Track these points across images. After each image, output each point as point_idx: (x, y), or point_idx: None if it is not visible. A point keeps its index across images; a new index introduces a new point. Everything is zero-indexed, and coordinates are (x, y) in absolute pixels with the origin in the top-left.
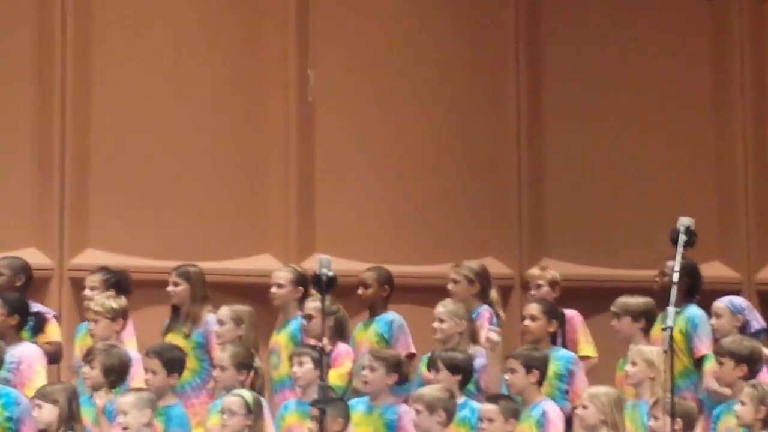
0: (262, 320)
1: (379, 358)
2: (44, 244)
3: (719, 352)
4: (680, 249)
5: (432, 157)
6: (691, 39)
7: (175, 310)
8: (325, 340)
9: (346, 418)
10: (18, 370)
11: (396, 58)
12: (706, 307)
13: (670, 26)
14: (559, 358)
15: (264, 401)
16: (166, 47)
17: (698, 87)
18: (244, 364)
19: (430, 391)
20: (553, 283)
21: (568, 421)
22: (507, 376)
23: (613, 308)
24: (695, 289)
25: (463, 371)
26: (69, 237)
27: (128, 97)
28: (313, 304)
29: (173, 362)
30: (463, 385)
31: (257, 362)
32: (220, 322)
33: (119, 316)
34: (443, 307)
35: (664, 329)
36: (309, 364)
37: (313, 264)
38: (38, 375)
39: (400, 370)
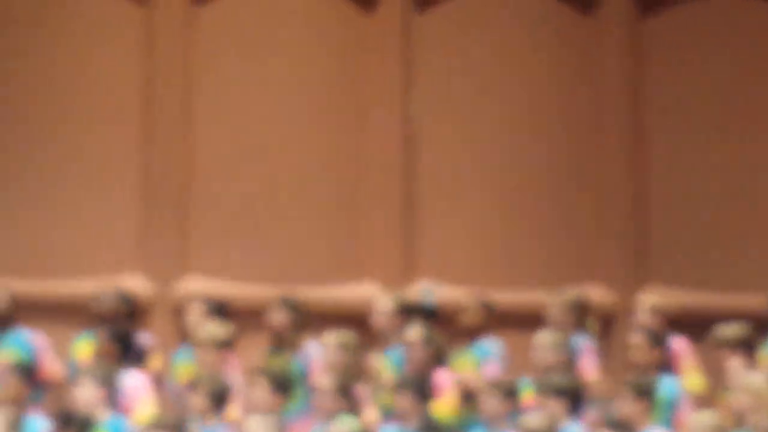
0: (363, 347)
1: (494, 385)
2: (146, 271)
3: None
4: None
5: (537, 182)
6: None
7: (276, 337)
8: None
9: None
10: (124, 398)
11: (505, 79)
12: None
13: None
14: (665, 386)
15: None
16: (266, 71)
17: None
18: (346, 390)
19: (533, 418)
20: (657, 311)
21: None
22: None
23: (714, 337)
24: None
25: (569, 396)
26: (171, 263)
27: (230, 122)
28: (413, 332)
29: (283, 384)
30: (569, 411)
31: (359, 389)
32: (322, 349)
33: (224, 344)
34: (543, 337)
35: None
36: (409, 395)
37: (415, 290)
38: (144, 403)
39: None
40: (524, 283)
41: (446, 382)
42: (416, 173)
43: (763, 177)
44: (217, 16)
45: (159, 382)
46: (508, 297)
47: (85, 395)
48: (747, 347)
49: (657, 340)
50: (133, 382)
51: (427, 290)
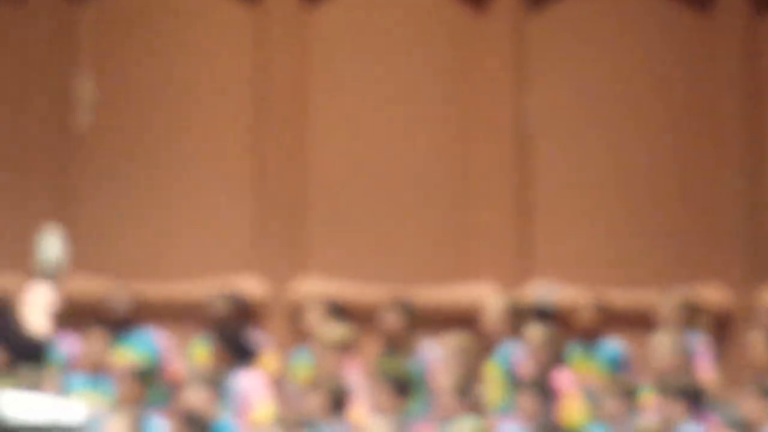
0: (479, 349)
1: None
2: (262, 273)
3: None
4: None
5: (651, 182)
6: None
7: (389, 338)
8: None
9: None
10: (239, 400)
11: (618, 79)
12: None
13: None
14: None
15: None
16: (380, 71)
17: None
18: (465, 392)
19: (652, 419)
20: None
21: None
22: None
23: None
24: None
25: (689, 397)
26: (286, 265)
27: (344, 122)
28: (534, 332)
29: (403, 386)
30: (689, 412)
31: (477, 390)
32: (441, 351)
33: (344, 345)
34: (660, 338)
35: None
36: (530, 396)
37: (530, 290)
38: (260, 404)
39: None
40: (639, 282)
41: (566, 382)
42: (531, 173)
43: None
44: (330, 17)
45: (275, 383)
46: (623, 297)
47: (200, 398)
48: None
49: None
50: (249, 383)
51: (544, 290)
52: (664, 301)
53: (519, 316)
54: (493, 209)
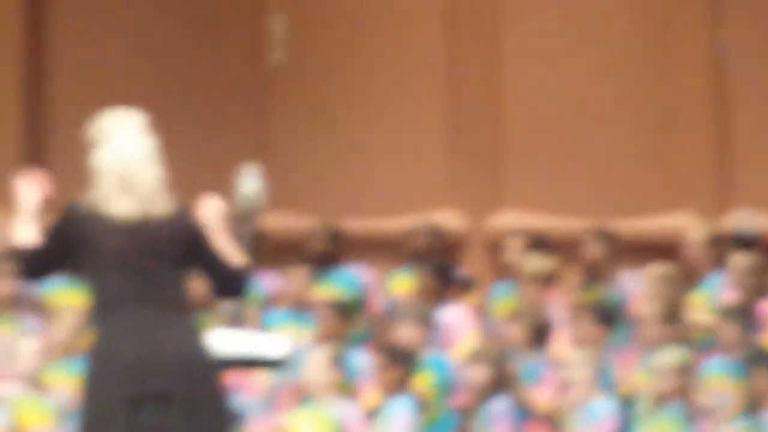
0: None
1: None
2: (460, 207)
3: None
4: None
5: None
6: None
7: (589, 269)
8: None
9: None
10: (444, 333)
11: None
12: None
13: None
14: None
15: None
16: (578, 2)
17: None
18: (669, 321)
19: None
20: None
21: None
22: None
23: None
24: None
25: None
26: (484, 198)
27: (539, 53)
28: (738, 261)
29: (606, 316)
30: None
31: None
32: (643, 281)
33: (546, 278)
34: None
35: None
36: (734, 326)
37: (731, 220)
38: (465, 337)
39: None
40: None
41: None
42: (729, 104)
43: None
44: None
45: (477, 316)
46: None
47: (407, 332)
48: None
49: None
50: (453, 317)
51: (746, 219)
52: None
53: (721, 245)
54: (692, 140)
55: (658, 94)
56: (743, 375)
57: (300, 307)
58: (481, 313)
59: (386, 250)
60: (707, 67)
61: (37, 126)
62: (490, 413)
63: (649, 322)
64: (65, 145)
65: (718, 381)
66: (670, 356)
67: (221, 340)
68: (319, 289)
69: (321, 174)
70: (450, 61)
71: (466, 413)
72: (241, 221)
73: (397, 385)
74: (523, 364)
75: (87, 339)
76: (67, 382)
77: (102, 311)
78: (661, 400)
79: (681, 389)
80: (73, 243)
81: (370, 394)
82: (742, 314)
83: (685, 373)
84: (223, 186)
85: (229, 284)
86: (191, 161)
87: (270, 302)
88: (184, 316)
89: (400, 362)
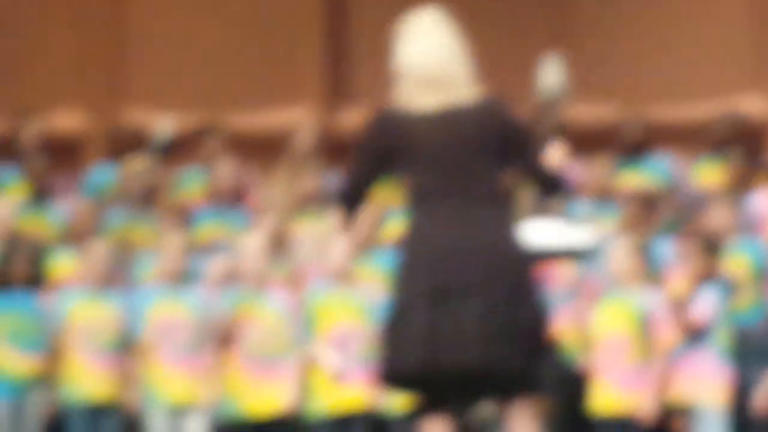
0: None
1: None
2: (763, 90)
3: None
4: None
5: None
6: None
7: None
8: None
9: None
10: (754, 220)
11: None
12: None
13: None
14: None
15: None
16: None
17: None
18: None
19: None
20: None
21: None
22: None
23: None
24: None
25: None
26: None
27: None
28: None
29: None
30: None
31: None
32: None
33: None
34: None
35: None
36: None
37: None
38: None
39: None
40: None
41: None
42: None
43: None
44: None
45: None
46: None
47: (717, 219)
48: None
49: None
50: (762, 203)
51: None
52: None
53: None
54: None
55: None
56: None
57: (604, 197)
58: None
59: (691, 138)
60: None
61: (339, 31)
62: None
63: None
64: (370, 49)
65: None
66: None
67: (528, 231)
68: (626, 178)
69: (625, 61)
70: None
71: None
72: (543, 113)
73: (707, 273)
74: None
75: (390, 233)
76: (373, 277)
77: (414, 205)
78: None
79: None
80: (386, 150)
81: (677, 282)
82: None
83: None
84: (525, 79)
85: (549, 183)
86: (493, 56)
87: (574, 192)
88: (496, 209)
89: (710, 250)
